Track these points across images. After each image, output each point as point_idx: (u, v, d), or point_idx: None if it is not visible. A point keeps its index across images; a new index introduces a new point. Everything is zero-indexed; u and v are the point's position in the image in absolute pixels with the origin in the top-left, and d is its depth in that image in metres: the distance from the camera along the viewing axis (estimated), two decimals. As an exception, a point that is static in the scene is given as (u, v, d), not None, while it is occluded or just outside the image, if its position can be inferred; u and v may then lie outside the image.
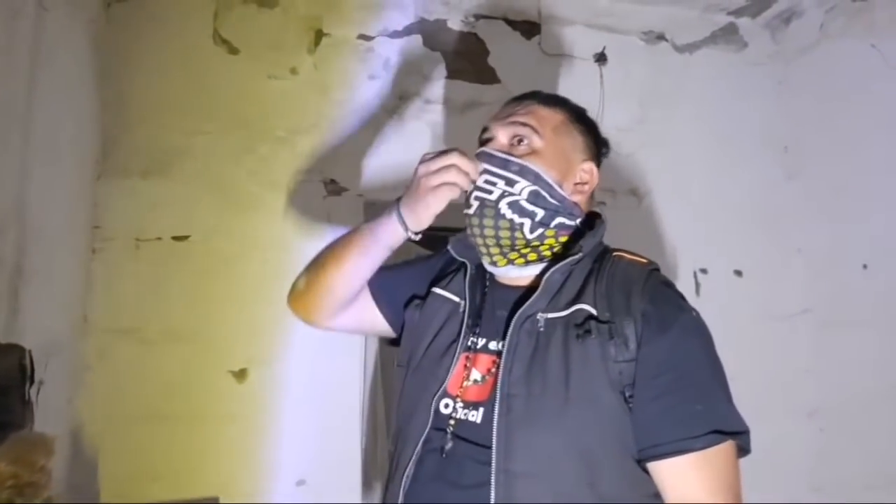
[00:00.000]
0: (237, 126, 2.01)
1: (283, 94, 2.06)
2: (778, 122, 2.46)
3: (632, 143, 2.32)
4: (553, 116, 1.05)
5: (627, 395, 0.89)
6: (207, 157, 1.98)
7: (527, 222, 1.00)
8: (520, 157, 1.01)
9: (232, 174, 1.99)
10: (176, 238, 1.93)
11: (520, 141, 1.02)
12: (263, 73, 2.05)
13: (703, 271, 2.34)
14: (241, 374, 1.92)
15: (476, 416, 0.94)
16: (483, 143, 1.06)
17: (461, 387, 0.98)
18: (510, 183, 0.99)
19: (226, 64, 2.03)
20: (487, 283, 1.08)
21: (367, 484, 1.96)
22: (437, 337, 1.05)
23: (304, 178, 2.04)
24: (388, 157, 2.11)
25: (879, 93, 2.10)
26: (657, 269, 1.01)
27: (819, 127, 2.35)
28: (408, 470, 0.96)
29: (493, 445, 0.89)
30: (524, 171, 0.99)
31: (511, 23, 2.30)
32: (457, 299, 1.08)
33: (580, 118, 1.10)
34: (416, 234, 1.04)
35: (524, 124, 1.03)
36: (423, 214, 1.00)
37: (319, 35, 2.12)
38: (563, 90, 2.21)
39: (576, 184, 1.05)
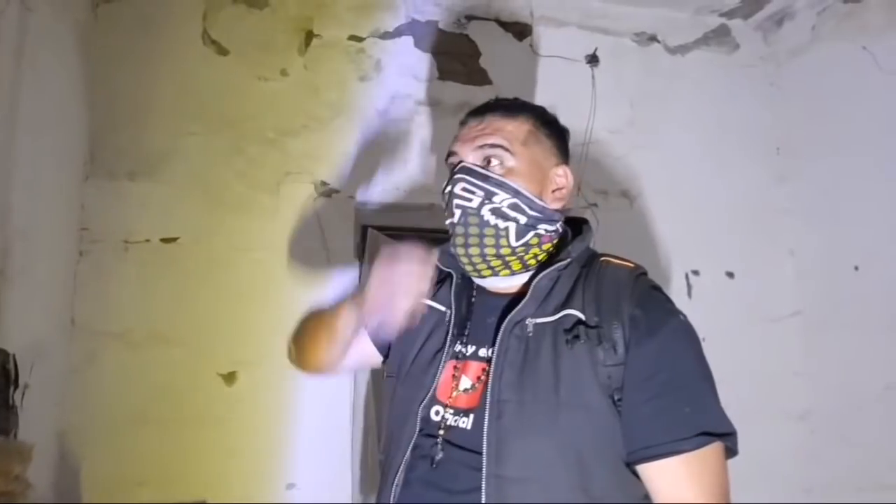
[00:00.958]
0: (227, 127, 2.00)
1: (274, 96, 2.05)
2: (770, 124, 2.46)
3: (624, 144, 2.32)
4: (519, 128, 1.04)
5: (616, 398, 0.89)
6: (196, 159, 1.97)
7: (511, 226, 0.99)
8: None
9: (221, 176, 1.98)
10: (164, 240, 1.92)
11: (489, 162, 1.02)
12: (253, 75, 2.04)
13: (695, 273, 2.34)
14: (230, 377, 1.91)
15: (467, 422, 0.94)
16: (452, 167, 1.05)
17: (451, 395, 0.98)
18: (490, 195, 0.99)
19: (215, 65, 2.02)
20: (475, 292, 1.09)
21: (357, 488, 1.95)
22: (424, 346, 1.06)
23: (294, 180, 2.03)
24: (379, 159, 2.11)
25: (871, 95, 2.10)
26: (644, 274, 1.01)
27: (811, 129, 2.35)
28: (397, 478, 0.96)
29: (484, 451, 0.89)
30: (503, 186, 1.00)
31: (503, 24, 2.29)
32: (443, 309, 1.08)
33: (544, 121, 1.08)
34: None
35: (493, 145, 1.01)
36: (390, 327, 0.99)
37: (310, 36, 2.11)
38: (555, 92, 2.24)
39: (553, 191, 1.05)
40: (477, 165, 1.01)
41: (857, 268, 2.13)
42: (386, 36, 2.18)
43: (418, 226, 2.16)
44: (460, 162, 1.03)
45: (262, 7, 2.08)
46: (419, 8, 2.22)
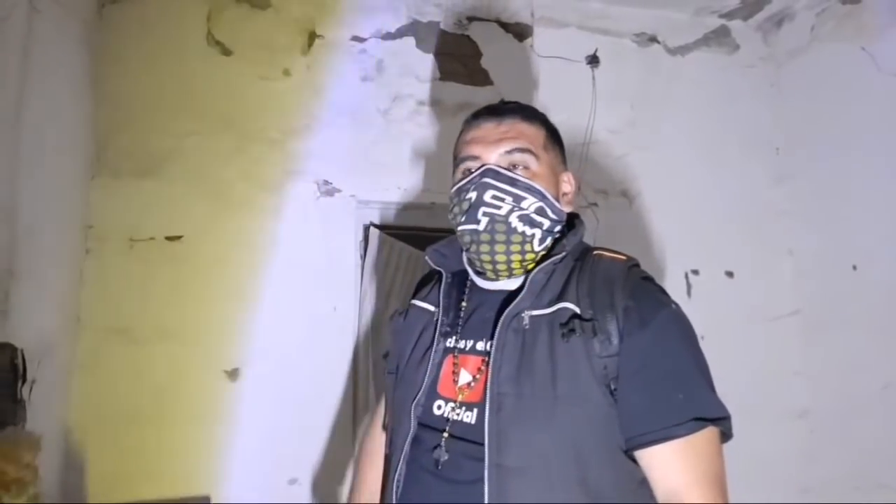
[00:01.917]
0: (230, 127, 2.02)
1: (276, 96, 2.07)
2: (769, 125, 2.48)
3: (624, 144, 2.33)
4: (538, 134, 1.06)
5: (612, 388, 0.92)
6: (200, 158, 1.99)
7: (537, 233, 1.02)
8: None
9: (225, 174, 2.00)
10: (169, 238, 1.94)
11: (515, 166, 1.03)
12: (256, 75, 2.06)
13: (695, 272, 2.35)
14: (233, 374, 1.93)
15: (471, 416, 0.97)
16: (468, 170, 1.04)
17: (452, 389, 1.01)
18: (518, 199, 1.01)
19: (219, 65, 2.04)
20: (467, 289, 1.11)
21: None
22: (416, 346, 1.10)
23: (296, 179, 2.06)
24: (380, 158, 2.13)
25: (869, 95, 2.11)
26: (637, 265, 1.03)
27: (810, 129, 2.36)
28: (398, 473, 1.00)
29: (486, 442, 0.91)
30: (531, 190, 1.01)
31: (504, 25, 2.31)
32: (432, 308, 1.11)
33: (552, 129, 1.11)
34: None
35: (522, 150, 1.03)
36: None
37: (312, 36, 2.13)
38: (556, 92, 2.26)
39: (563, 195, 1.09)
40: (502, 168, 1.02)
41: (855, 267, 2.14)
42: (388, 37, 2.20)
43: (419, 225, 2.18)
44: (483, 165, 1.03)
45: (266, 8, 2.11)
46: (420, 9, 2.24)
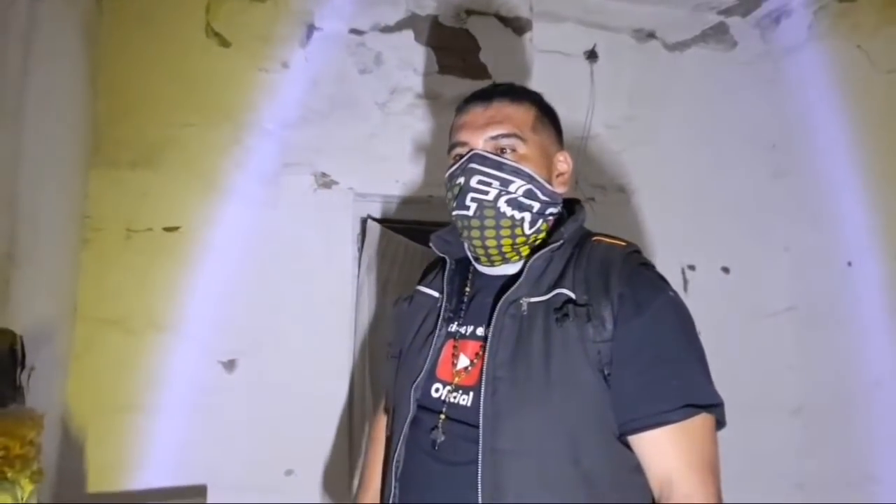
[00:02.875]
0: (229, 118, 2.03)
1: (275, 88, 2.07)
2: (766, 121, 2.49)
3: (621, 140, 2.34)
4: (527, 115, 1.06)
5: (606, 373, 0.92)
6: (198, 149, 1.99)
7: (527, 216, 1.02)
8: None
9: (222, 166, 2.00)
10: (167, 229, 1.95)
11: (503, 150, 1.03)
12: (255, 66, 2.07)
13: (691, 268, 2.36)
14: (230, 365, 1.94)
15: (467, 399, 0.98)
16: (458, 156, 1.05)
17: (451, 373, 1.02)
18: (505, 183, 1.01)
19: (217, 57, 2.04)
20: (470, 275, 1.12)
21: (354, 472, 1.98)
22: (419, 331, 1.11)
23: (294, 171, 2.06)
24: (378, 151, 2.13)
25: (865, 93, 2.13)
26: (637, 252, 1.03)
27: (806, 126, 2.37)
28: (398, 454, 1.02)
29: (481, 425, 0.93)
30: (518, 173, 1.01)
31: (502, 19, 2.32)
32: (437, 294, 1.12)
33: (545, 108, 1.10)
34: None
35: (507, 135, 1.02)
36: None
37: (311, 29, 2.14)
38: (554, 87, 2.23)
39: (557, 175, 1.08)
40: (489, 152, 1.02)
41: (850, 263, 2.16)
42: (386, 30, 2.21)
43: (417, 218, 2.19)
44: (470, 150, 1.03)
45: (264, 0, 2.11)
46: (419, 2, 2.24)
